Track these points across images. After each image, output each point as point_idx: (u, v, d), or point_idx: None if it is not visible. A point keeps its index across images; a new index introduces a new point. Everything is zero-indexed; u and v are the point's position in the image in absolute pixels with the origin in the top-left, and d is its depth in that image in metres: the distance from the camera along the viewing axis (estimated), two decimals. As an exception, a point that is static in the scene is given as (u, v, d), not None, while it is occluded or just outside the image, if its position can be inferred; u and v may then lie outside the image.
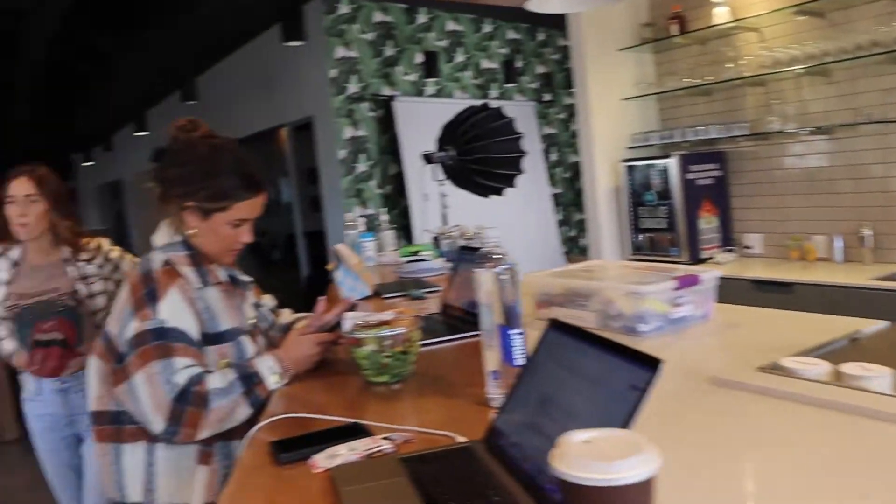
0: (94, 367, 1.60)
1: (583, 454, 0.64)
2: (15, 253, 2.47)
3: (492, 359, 1.29)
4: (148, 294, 1.51)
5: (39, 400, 2.48)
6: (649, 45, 4.57)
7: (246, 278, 1.76)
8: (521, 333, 1.26)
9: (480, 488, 0.96)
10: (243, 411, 1.50)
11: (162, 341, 1.46)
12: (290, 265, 7.40)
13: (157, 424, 1.45)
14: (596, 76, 4.54)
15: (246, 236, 1.66)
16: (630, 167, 4.51)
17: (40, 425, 2.51)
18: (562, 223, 7.84)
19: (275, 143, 7.63)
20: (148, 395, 1.44)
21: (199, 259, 1.62)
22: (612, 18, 4.59)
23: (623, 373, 0.86)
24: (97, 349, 1.60)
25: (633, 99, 4.66)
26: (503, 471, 1.01)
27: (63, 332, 2.41)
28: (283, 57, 6.78)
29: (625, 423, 0.80)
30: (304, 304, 2.12)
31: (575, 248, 8.04)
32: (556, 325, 1.09)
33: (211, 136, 1.67)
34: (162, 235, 1.65)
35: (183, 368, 1.46)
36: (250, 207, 1.64)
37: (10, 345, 2.50)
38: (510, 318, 1.24)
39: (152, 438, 1.53)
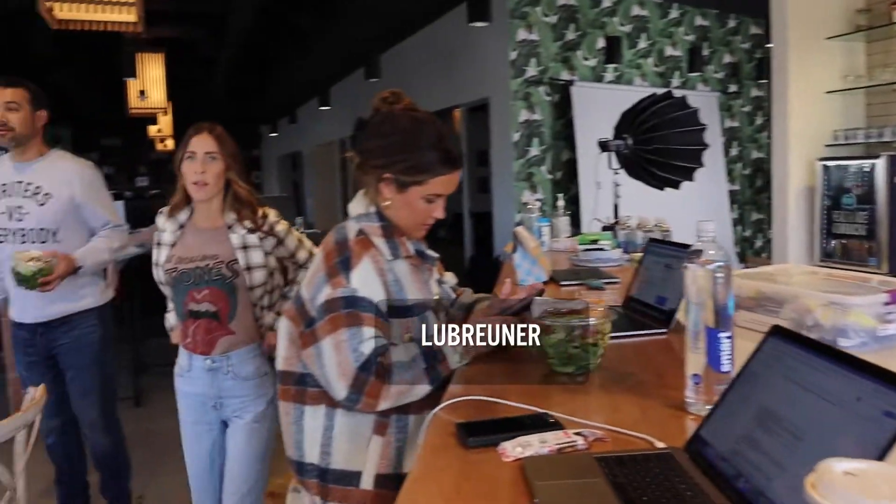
0: (284, 328, 1.65)
1: (852, 489, 0.56)
2: (183, 215, 2.35)
3: (694, 361, 1.19)
4: (342, 262, 1.53)
5: (188, 377, 2.36)
6: (863, 32, 4.17)
7: (433, 254, 1.75)
8: (730, 337, 1.16)
9: (688, 501, 0.89)
10: (423, 387, 1.49)
11: (352, 310, 1.48)
12: (456, 244, 7.49)
13: (340, 391, 1.47)
14: (797, 66, 4.21)
15: (438, 212, 1.65)
16: (827, 167, 4.16)
17: (186, 403, 2.40)
18: (736, 222, 7.43)
19: (449, 123, 7.71)
20: (334, 360, 1.47)
21: (391, 231, 1.63)
22: (821, 3, 4.23)
23: (877, 396, 0.75)
24: (289, 312, 1.64)
25: (837, 92, 4.28)
26: (710, 485, 0.93)
27: (216, 303, 2.27)
28: (465, 38, 6.82)
29: (880, 454, 0.70)
30: (466, 284, 2.09)
31: (749, 249, 7.61)
32: (781, 333, 0.98)
33: (413, 109, 1.67)
34: (357, 205, 1.67)
35: (370, 338, 1.47)
36: (446, 183, 1.62)
37: (174, 318, 2.42)
38: (721, 320, 1.15)
39: (333, 403, 1.56)
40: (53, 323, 2.87)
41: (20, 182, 2.80)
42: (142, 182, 16.62)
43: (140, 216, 5.92)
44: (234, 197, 2.32)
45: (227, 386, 2.32)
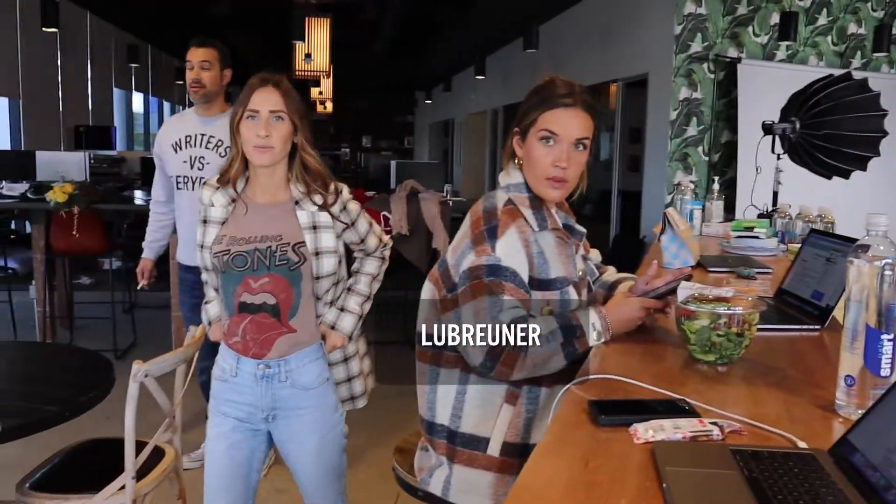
0: (427, 290, 1.70)
1: None
2: (237, 187, 1.94)
3: (850, 362, 1.12)
4: (489, 230, 1.55)
5: (234, 383, 1.94)
6: None
7: (580, 229, 1.74)
8: (893, 340, 1.08)
9: (828, 506, 0.85)
10: (558, 361, 1.50)
11: (494, 278, 1.50)
12: (601, 222, 7.36)
13: (476, 357, 1.49)
14: None
15: (560, 159, 1.58)
16: None
17: (229, 411, 1.97)
18: (915, 219, 6.82)
19: (604, 97, 7.55)
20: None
21: (539, 202, 1.63)
22: None
23: None
24: (432, 276, 1.69)
25: None
26: (855, 492, 0.88)
27: (276, 293, 1.87)
28: (628, 10, 6.62)
29: None
30: (609, 263, 2.05)
31: (926, 249, 6.98)
32: (952, 341, 0.91)
33: None
34: (506, 176, 1.68)
35: (509, 308, 1.48)
36: (557, 119, 1.59)
37: (214, 310, 2.05)
38: (885, 321, 1.07)
39: (468, 369, 1.59)
40: None
41: (203, 135, 3.05)
42: (301, 142, 17.41)
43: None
44: (301, 166, 1.94)
45: (283, 396, 1.93)
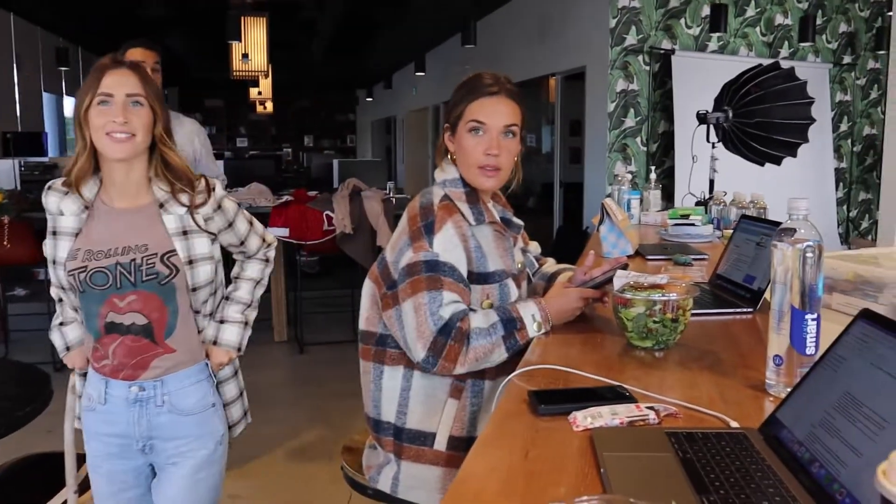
0: (368, 288, 1.70)
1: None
2: (87, 191, 1.65)
3: (777, 342, 1.16)
4: (426, 226, 1.55)
5: (104, 412, 1.68)
6: None
7: (518, 221, 1.76)
8: (816, 319, 1.12)
9: (757, 483, 0.87)
10: (500, 354, 1.51)
11: (433, 273, 1.51)
12: (544, 214, 7.44)
13: (418, 353, 1.50)
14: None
15: (491, 147, 1.62)
16: (945, 146, 3.90)
17: (101, 449, 1.71)
18: (841, 202, 7.08)
19: (543, 91, 7.61)
20: (413, 323, 1.50)
21: (475, 197, 1.64)
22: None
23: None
24: (372, 274, 1.69)
25: (962, 66, 4.00)
26: (783, 468, 0.91)
27: (147, 312, 1.61)
28: (565, 4, 6.70)
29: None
30: (553, 255, 2.08)
31: (854, 230, 7.25)
32: (871, 318, 0.95)
33: None
34: (441, 172, 1.69)
35: (449, 303, 1.49)
36: (483, 108, 1.62)
37: (74, 333, 1.77)
38: (808, 301, 1.11)
39: (411, 365, 1.60)
40: None
41: None
42: (241, 143, 17.19)
43: (237, 176, 6.17)
44: (162, 162, 1.66)
45: (160, 423, 1.67)
